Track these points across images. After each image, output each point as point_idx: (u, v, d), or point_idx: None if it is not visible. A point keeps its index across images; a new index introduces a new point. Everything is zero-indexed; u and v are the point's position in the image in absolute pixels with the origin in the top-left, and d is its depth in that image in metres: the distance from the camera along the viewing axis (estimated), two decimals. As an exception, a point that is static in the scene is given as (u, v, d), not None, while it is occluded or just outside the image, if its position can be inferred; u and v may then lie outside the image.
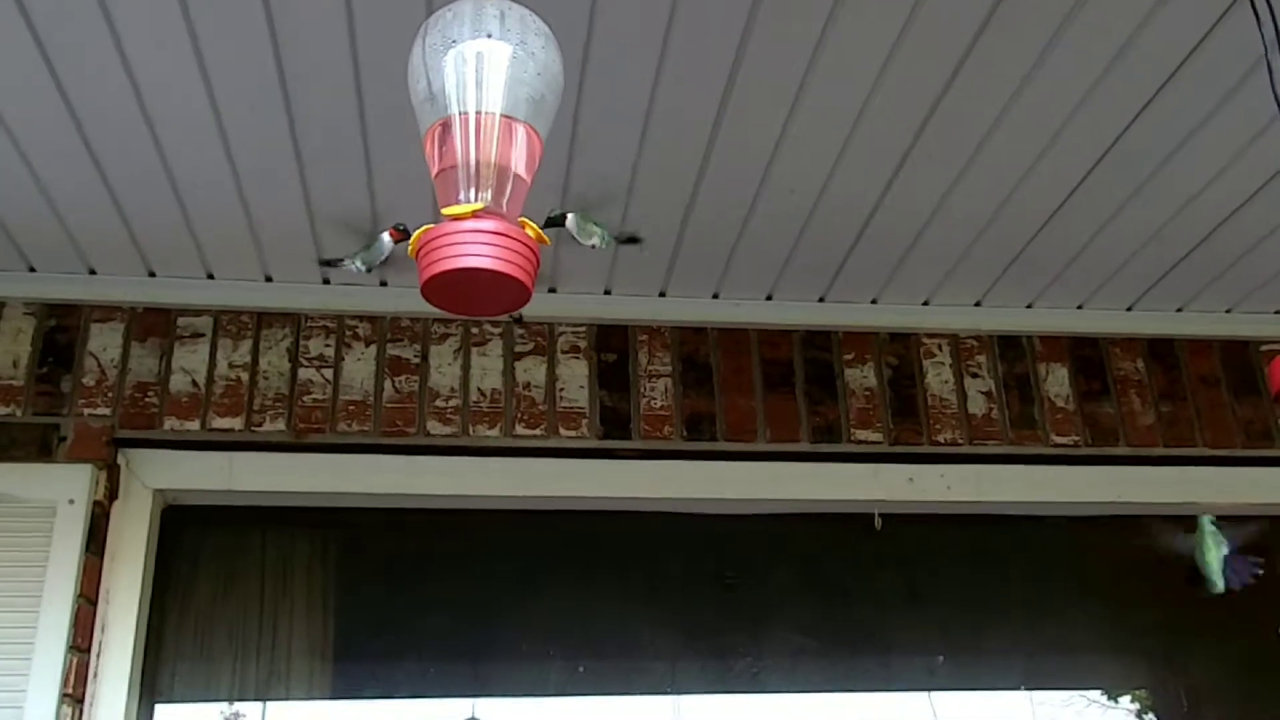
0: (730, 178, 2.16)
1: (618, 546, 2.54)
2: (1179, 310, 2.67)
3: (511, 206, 1.18)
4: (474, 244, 1.12)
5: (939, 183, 2.20)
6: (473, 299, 1.17)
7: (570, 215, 2.07)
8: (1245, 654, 2.64)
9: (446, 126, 1.18)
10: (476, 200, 1.16)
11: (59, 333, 2.40)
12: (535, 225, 1.17)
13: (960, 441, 2.54)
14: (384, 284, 2.48)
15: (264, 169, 2.09)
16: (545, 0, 1.25)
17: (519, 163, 1.19)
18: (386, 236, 2.06)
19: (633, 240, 2.12)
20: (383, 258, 2.15)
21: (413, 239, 1.16)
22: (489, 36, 1.20)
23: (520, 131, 1.19)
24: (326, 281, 2.47)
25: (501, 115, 1.18)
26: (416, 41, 1.21)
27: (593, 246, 1.87)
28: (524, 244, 1.14)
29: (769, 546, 2.56)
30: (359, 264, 2.18)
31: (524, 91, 1.19)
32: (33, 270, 2.40)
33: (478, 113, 1.18)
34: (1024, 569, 2.61)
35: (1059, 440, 2.56)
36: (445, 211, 1.15)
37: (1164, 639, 2.67)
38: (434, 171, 1.20)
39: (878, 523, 2.53)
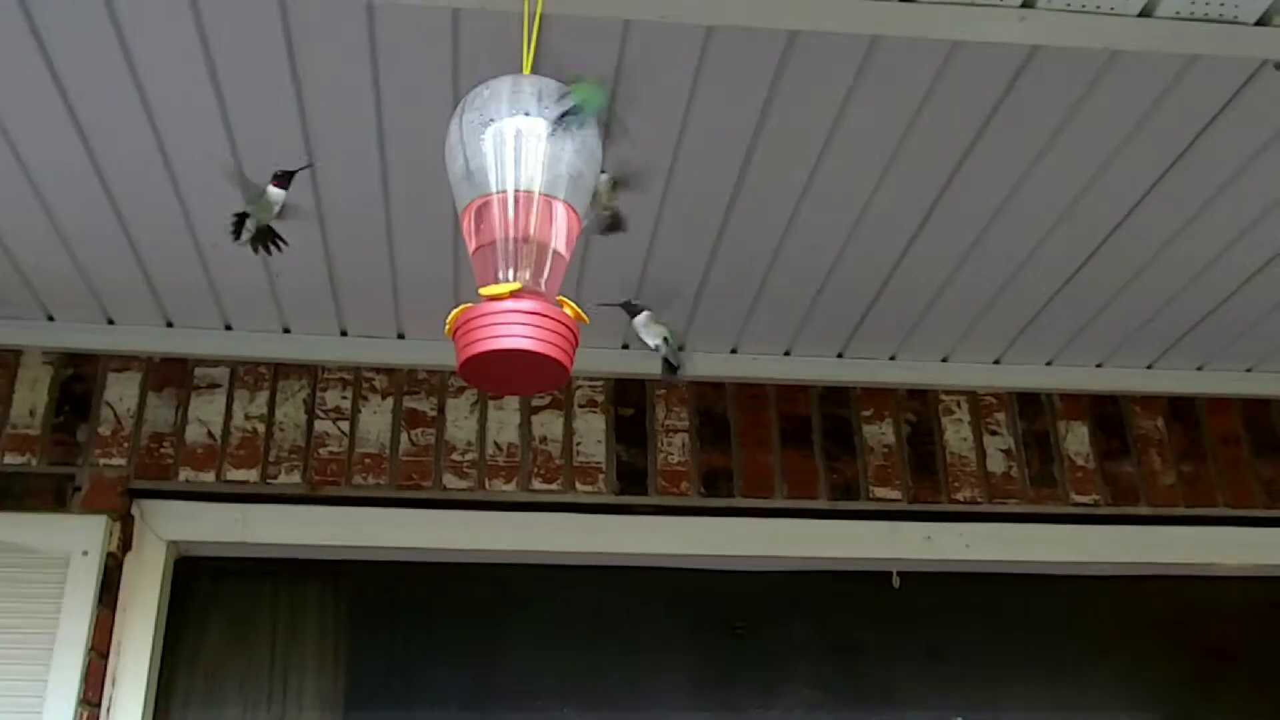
0: (750, 235, 2.16)
1: (633, 602, 2.52)
2: (1199, 369, 2.66)
3: (550, 284, 1.17)
4: (512, 324, 1.11)
5: (958, 244, 2.20)
6: (511, 379, 1.16)
7: (644, 312, 2.03)
8: (1267, 715, 2.60)
9: (484, 205, 1.17)
10: (514, 279, 1.15)
11: (76, 382, 2.39)
12: (574, 304, 1.16)
13: (979, 500, 2.52)
14: (401, 336, 2.48)
15: (284, 223, 2.08)
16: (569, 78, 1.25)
17: (558, 240, 1.18)
18: (272, 188, 1.92)
19: (675, 366, 2.08)
20: (277, 209, 2.01)
21: (450, 318, 1.14)
22: (526, 114, 1.19)
23: (559, 209, 1.18)
24: (344, 333, 2.46)
25: (540, 193, 1.17)
26: (454, 120, 1.20)
27: (655, 348, 1.85)
28: (563, 324, 1.13)
29: (785, 603, 2.53)
30: (251, 224, 2.01)
31: (562, 169, 1.18)
32: (51, 319, 2.40)
33: (516, 191, 1.17)
34: (1043, 628, 2.58)
35: (1079, 499, 2.54)
36: (483, 291, 1.14)
37: (1184, 699, 2.64)
38: (471, 248, 1.20)
39: (896, 581, 2.51)
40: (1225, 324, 2.48)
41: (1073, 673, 2.57)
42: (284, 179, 1.80)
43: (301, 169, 1.79)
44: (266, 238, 1.80)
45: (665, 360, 1.90)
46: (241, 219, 1.74)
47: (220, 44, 1.70)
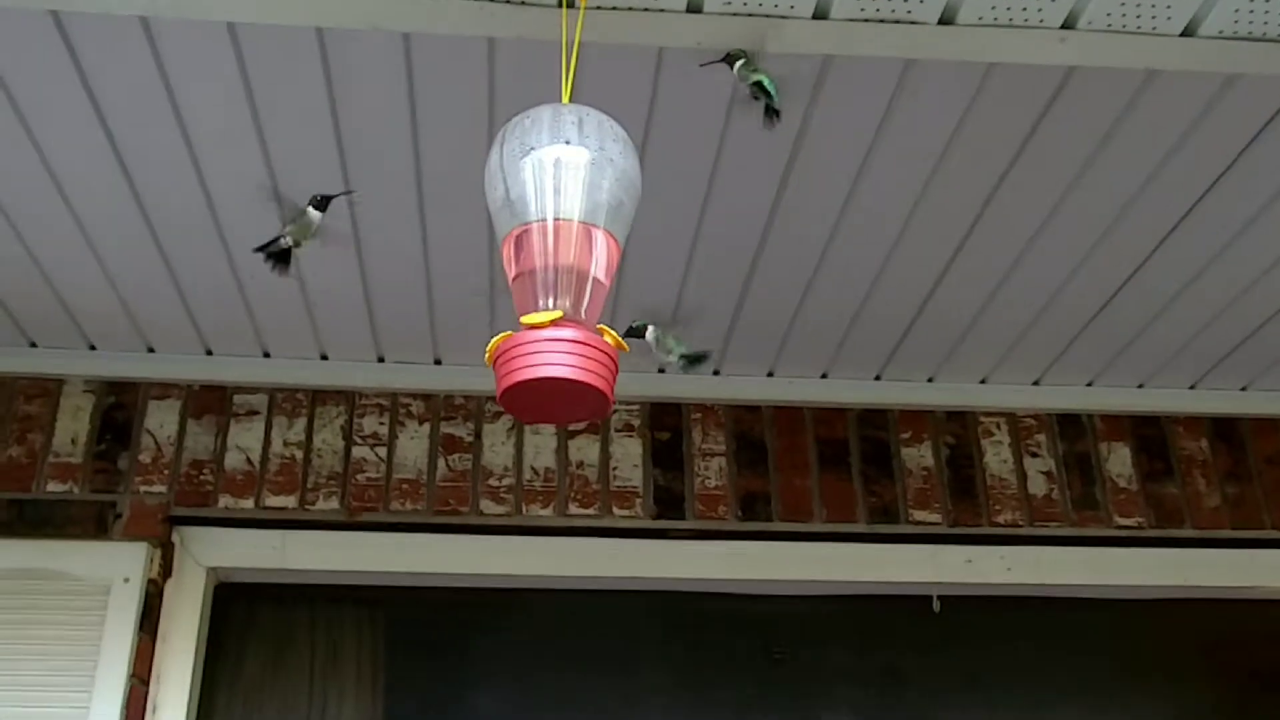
0: (786, 259, 2.15)
1: (671, 627, 2.50)
2: (1243, 389, 2.63)
3: (590, 313, 1.17)
4: (553, 353, 1.11)
5: (997, 266, 2.18)
6: (552, 408, 1.16)
7: (651, 328, 2.05)
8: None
9: (524, 233, 1.18)
10: (555, 307, 1.15)
11: (117, 410, 2.41)
12: (614, 332, 1.15)
13: (1020, 523, 2.49)
14: (438, 362, 2.49)
15: (322, 253, 2.10)
16: (606, 103, 1.26)
17: (598, 268, 1.18)
18: (312, 210, 1.97)
19: (700, 359, 2.09)
20: (313, 230, 2.06)
21: (490, 347, 1.15)
22: (567, 143, 1.20)
23: (599, 237, 1.19)
24: (381, 359, 2.48)
25: (580, 221, 1.17)
26: (494, 148, 1.21)
27: (668, 363, 1.86)
28: (603, 352, 1.13)
29: (825, 628, 2.51)
30: (289, 240, 2.06)
31: (602, 197, 1.19)
32: (93, 348, 2.42)
33: (556, 219, 1.17)
34: (1086, 652, 2.54)
35: (1122, 522, 2.51)
36: (523, 320, 1.14)
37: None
38: (511, 276, 1.20)
39: (936, 605, 2.48)
40: (1269, 344, 2.44)
41: (1116, 698, 2.53)
42: (323, 203, 1.84)
43: (342, 195, 1.82)
44: (286, 258, 1.84)
45: (684, 358, 1.91)
46: (276, 237, 1.79)
47: (260, 78, 1.72)
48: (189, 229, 2.05)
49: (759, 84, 1.59)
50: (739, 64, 1.61)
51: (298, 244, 1.93)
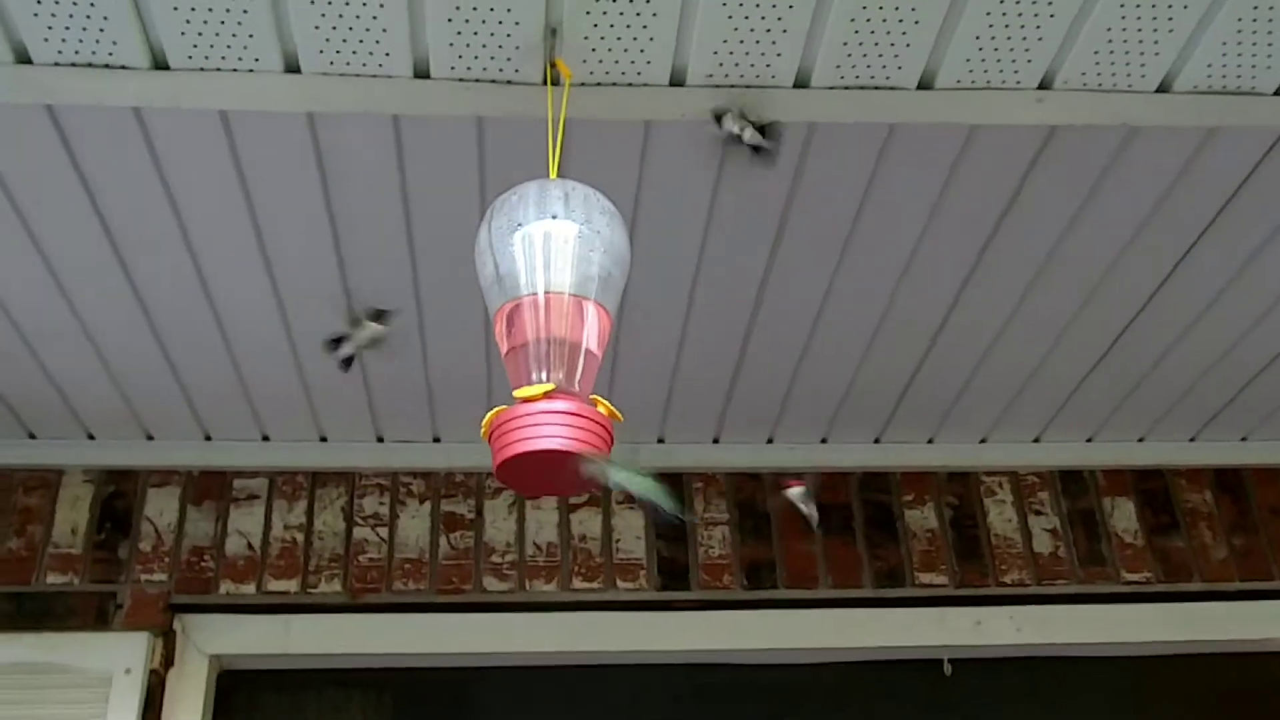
0: (781, 326, 2.16)
1: (679, 700, 2.47)
2: (1244, 439, 2.62)
3: (584, 384, 1.18)
4: (547, 425, 1.12)
5: (990, 325, 2.19)
6: (549, 480, 1.17)
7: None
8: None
9: (516, 307, 1.19)
10: (548, 380, 1.16)
11: (116, 498, 2.40)
12: (608, 403, 1.16)
13: (1028, 581, 2.47)
14: (437, 440, 2.49)
15: (320, 339, 2.11)
16: (595, 177, 1.28)
17: (590, 340, 1.19)
18: (373, 324, 2.03)
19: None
20: (371, 340, 2.11)
21: (485, 421, 1.15)
22: (554, 217, 1.21)
23: (590, 309, 1.20)
24: (380, 439, 2.48)
25: (570, 294, 1.19)
26: (482, 226, 1.22)
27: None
28: (597, 423, 1.14)
29: (835, 696, 2.48)
30: (352, 347, 2.12)
31: (592, 270, 1.20)
32: (91, 437, 2.42)
33: (546, 293, 1.19)
34: (1099, 711, 2.51)
35: (1130, 577, 2.49)
36: (517, 394, 1.15)
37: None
38: (504, 351, 1.21)
39: (947, 669, 2.46)
40: (1267, 393, 2.44)
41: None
42: (380, 316, 1.90)
43: (392, 311, 1.86)
44: (350, 361, 1.95)
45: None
46: (339, 340, 1.89)
47: (252, 164, 1.74)
48: (186, 315, 2.06)
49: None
50: (726, 116, 1.62)
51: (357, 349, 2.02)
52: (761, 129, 1.61)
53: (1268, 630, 2.50)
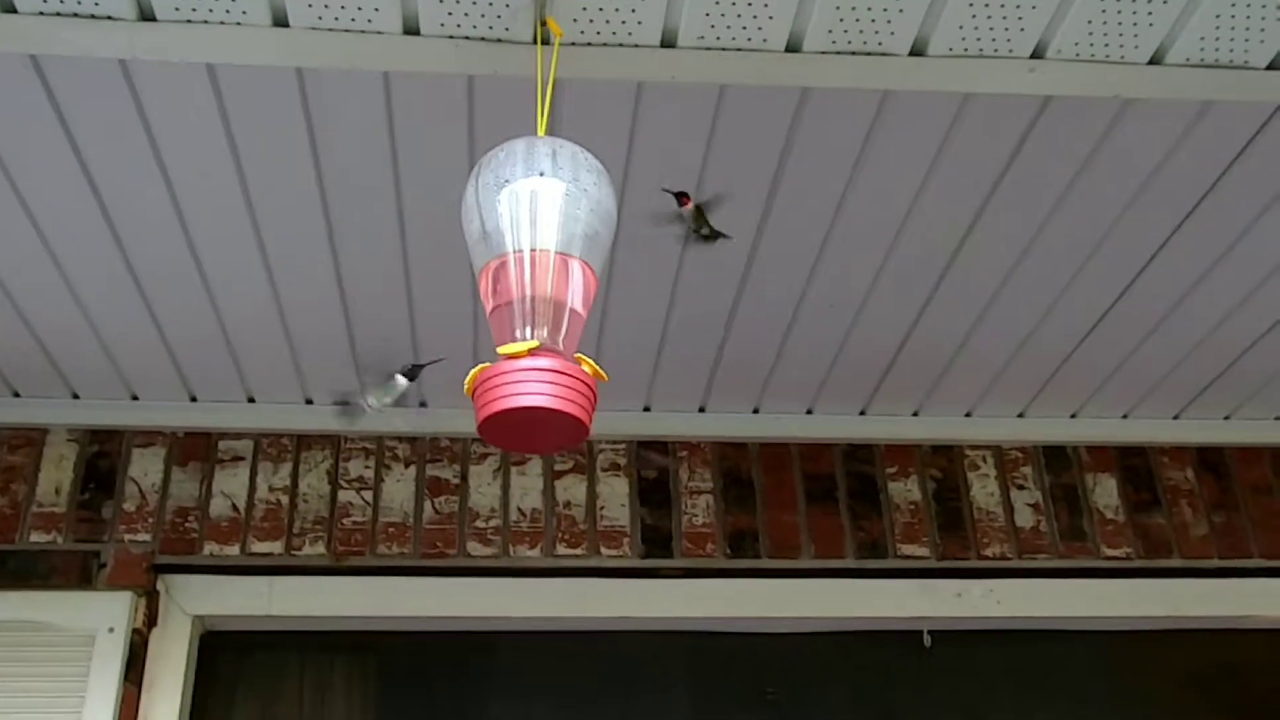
0: (769, 294, 2.16)
1: (662, 667, 2.48)
2: (1227, 418, 2.63)
3: (568, 343, 1.18)
4: (530, 382, 1.12)
5: (978, 298, 2.20)
6: (530, 437, 1.16)
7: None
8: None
9: (501, 265, 1.18)
10: (532, 338, 1.16)
11: (101, 458, 2.40)
12: (592, 362, 1.16)
13: (1009, 555, 2.49)
14: (424, 404, 2.48)
15: (305, 296, 2.11)
16: (587, 139, 1.27)
17: (575, 298, 1.19)
18: (401, 379, 2.06)
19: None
20: (396, 396, 2.15)
21: (469, 378, 1.15)
22: (541, 175, 1.21)
23: (575, 268, 1.19)
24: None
25: (556, 252, 1.18)
26: (469, 182, 1.22)
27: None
28: (581, 381, 1.14)
29: (817, 666, 2.49)
30: (372, 401, 2.16)
31: (578, 228, 1.20)
32: (76, 397, 2.41)
33: (532, 250, 1.18)
34: (1077, 685, 2.53)
35: (1110, 553, 2.51)
36: (500, 350, 1.14)
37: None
38: (489, 309, 1.20)
39: (927, 640, 2.47)
40: (1251, 372, 2.46)
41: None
42: (413, 371, 1.97)
43: (431, 363, 1.86)
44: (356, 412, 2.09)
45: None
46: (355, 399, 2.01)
47: (240, 119, 1.73)
48: (172, 274, 2.05)
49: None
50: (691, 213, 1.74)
51: (378, 408, 2.07)
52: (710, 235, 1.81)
53: (1246, 607, 2.52)
